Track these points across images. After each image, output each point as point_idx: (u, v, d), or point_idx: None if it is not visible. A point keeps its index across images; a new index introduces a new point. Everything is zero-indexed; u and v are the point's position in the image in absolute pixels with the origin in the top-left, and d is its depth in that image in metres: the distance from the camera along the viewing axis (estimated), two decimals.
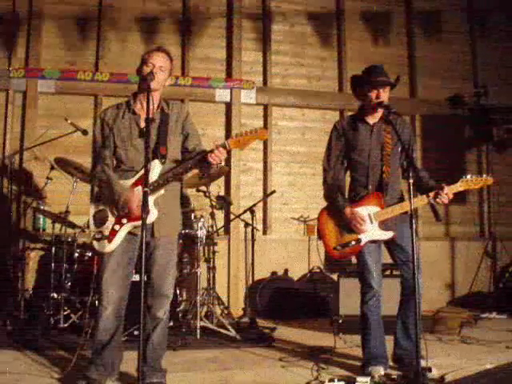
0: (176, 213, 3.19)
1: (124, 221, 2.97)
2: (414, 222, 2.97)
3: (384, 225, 3.37)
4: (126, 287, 3.05)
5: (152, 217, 2.91)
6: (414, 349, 2.95)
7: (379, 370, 3.27)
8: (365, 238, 3.37)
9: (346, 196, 3.53)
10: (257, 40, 6.40)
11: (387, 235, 3.38)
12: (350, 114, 4.06)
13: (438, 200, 3.28)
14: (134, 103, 3.10)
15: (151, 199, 2.91)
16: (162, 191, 2.99)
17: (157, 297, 3.06)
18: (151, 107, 2.83)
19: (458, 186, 3.34)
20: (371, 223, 3.37)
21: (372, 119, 3.48)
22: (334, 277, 5.39)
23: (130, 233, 3.00)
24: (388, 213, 3.35)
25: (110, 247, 2.97)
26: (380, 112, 3.44)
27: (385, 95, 3.36)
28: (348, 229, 3.39)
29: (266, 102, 6.26)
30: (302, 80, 6.49)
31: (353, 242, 3.37)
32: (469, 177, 3.36)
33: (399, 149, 3.44)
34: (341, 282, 4.71)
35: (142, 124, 2.99)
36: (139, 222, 2.77)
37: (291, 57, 6.49)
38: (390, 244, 3.46)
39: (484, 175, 3.45)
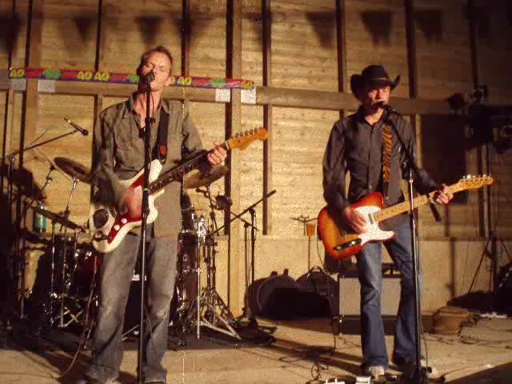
0: (176, 213, 3.19)
1: (124, 221, 2.97)
2: (413, 222, 2.98)
3: (384, 225, 3.38)
4: (126, 287, 3.06)
5: (152, 217, 2.91)
6: (414, 349, 2.95)
7: (379, 370, 3.27)
8: (365, 238, 3.37)
9: (346, 196, 3.53)
10: (257, 40, 6.40)
11: (387, 235, 3.38)
12: (349, 113, 4.06)
13: (438, 200, 3.28)
14: (133, 103, 3.10)
15: (151, 199, 2.91)
16: (162, 191, 2.99)
17: (157, 297, 3.06)
18: (151, 107, 2.83)
19: (458, 186, 3.34)
20: (371, 223, 3.37)
21: (372, 119, 3.47)
22: (334, 277, 5.39)
23: (130, 233, 3.00)
24: (388, 213, 3.35)
25: (109, 247, 2.97)
26: (380, 112, 3.44)
27: (385, 95, 3.36)
28: (348, 229, 3.39)
29: (266, 102, 6.26)
30: (302, 80, 6.48)
31: (353, 242, 3.38)
32: (469, 177, 3.36)
33: (399, 149, 3.44)
34: (341, 282, 4.71)
35: (142, 124, 2.99)
36: (139, 222, 2.77)
37: (291, 57, 6.49)
38: (390, 244, 3.46)
39: (484, 175, 3.44)
